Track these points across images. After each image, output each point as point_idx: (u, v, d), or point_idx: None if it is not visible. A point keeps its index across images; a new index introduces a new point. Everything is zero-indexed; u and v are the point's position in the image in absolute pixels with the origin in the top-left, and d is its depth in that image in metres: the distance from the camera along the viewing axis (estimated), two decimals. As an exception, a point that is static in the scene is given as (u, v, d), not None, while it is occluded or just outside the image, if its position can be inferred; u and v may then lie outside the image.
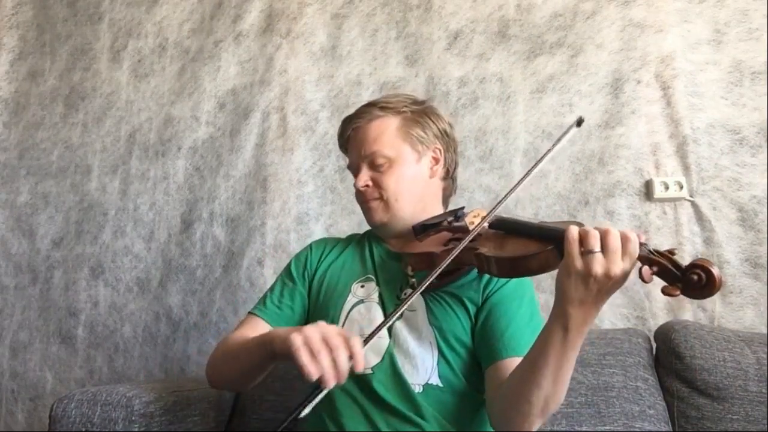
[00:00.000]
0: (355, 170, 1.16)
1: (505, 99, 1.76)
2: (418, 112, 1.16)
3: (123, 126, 2.01)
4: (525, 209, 1.68)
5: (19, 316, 1.95)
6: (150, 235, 1.91)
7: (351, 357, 0.76)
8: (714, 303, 1.55)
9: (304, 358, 0.76)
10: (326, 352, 0.76)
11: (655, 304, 1.57)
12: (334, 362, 0.75)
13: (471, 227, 1.01)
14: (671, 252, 0.74)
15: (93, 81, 2.07)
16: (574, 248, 0.76)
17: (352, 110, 1.88)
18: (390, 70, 1.85)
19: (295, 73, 1.90)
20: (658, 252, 0.74)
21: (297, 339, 0.78)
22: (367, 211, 1.15)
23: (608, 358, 1.32)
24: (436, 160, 1.16)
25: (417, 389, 1.00)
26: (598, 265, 0.74)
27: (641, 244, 0.75)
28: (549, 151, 0.94)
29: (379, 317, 1.05)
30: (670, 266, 0.72)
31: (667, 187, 1.61)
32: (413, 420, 0.98)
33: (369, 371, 1.02)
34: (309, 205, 1.83)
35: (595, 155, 1.67)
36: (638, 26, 1.71)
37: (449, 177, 1.20)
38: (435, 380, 1.00)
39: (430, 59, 1.83)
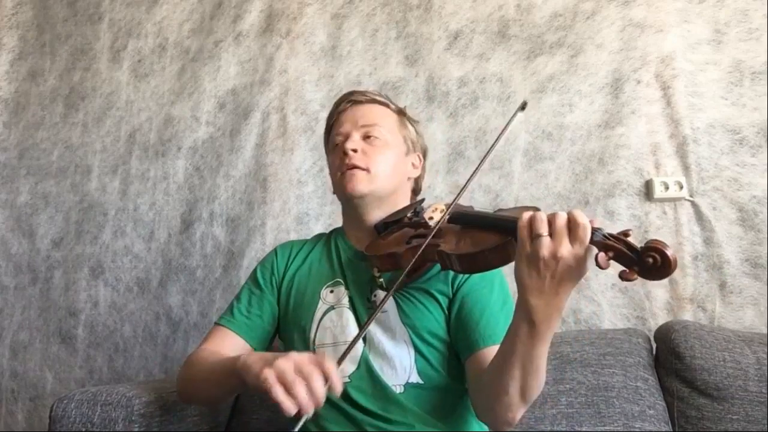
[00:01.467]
0: (344, 137, 1.13)
1: (505, 99, 1.76)
2: (410, 120, 1.22)
3: (123, 126, 2.01)
4: (525, 209, 1.67)
5: (19, 316, 1.95)
6: (150, 235, 1.91)
7: (326, 381, 0.76)
8: (714, 303, 1.55)
9: (281, 395, 0.75)
10: (301, 384, 0.75)
11: (655, 304, 1.57)
12: (311, 391, 0.75)
13: (430, 222, 1.00)
14: (625, 234, 0.73)
15: (93, 81, 2.07)
16: (524, 234, 0.76)
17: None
18: (390, 70, 1.85)
19: (295, 73, 1.90)
20: (612, 236, 0.73)
21: (270, 376, 0.77)
22: (347, 179, 1.09)
23: (608, 358, 1.32)
24: (415, 166, 1.20)
25: (398, 390, 1.00)
26: (545, 249, 0.74)
27: (595, 229, 0.74)
28: (497, 140, 0.93)
29: (352, 322, 1.05)
30: (625, 250, 0.71)
31: (667, 187, 1.61)
32: (396, 420, 0.98)
33: (346, 379, 1.01)
34: (309, 205, 1.83)
35: (595, 155, 1.67)
36: (638, 26, 1.71)
37: (417, 190, 1.24)
38: (415, 378, 1.00)
39: (430, 59, 1.83)
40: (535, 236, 0.75)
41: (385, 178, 1.11)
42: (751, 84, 1.62)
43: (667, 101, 1.65)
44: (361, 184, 1.09)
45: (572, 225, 0.73)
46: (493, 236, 0.85)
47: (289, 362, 0.77)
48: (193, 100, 1.96)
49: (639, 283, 1.58)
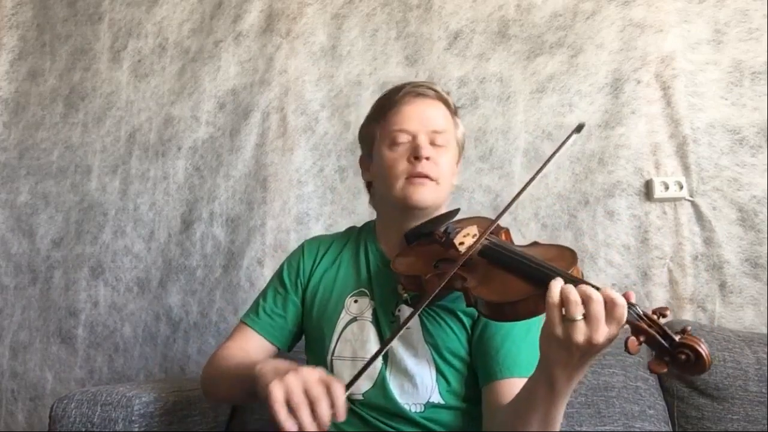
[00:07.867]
0: (410, 137, 1.04)
1: (505, 99, 1.76)
2: (457, 118, 1.13)
3: (123, 126, 2.01)
4: (525, 209, 1.68)
5: (19, 316, 1.95)
6: (150, 235, 1.91)
7: (332, 405, 0.74)
8: (714, 303, 1.55)
9: (281, 414, 0.73)
10: (306, 406, 0.73)
11: (655, 305, 1.57)
12: (315, 415, 0.73)
13: (460, 247, 0.96)
14: (662, 313, 0.69)
15: (93, 81, 2.07)
16: (555, 314, 0.71)
17: (352, 110, 1.88)
18: (390, 70, 1.85)
19: (295, 73, 1.90)
20: (647, 317, 0.69)
21: (277, 392, 0.74)
22: (415, 188, 1.02)
23: (608, 358, 1.32)
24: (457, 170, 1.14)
25: (418, 409, 0.98)
26: (580, 334, 0.69)
27: (630, 305, 0.70)
28: (546, 162, 0.91)
29: (373, 337, 1.03)
30: (658, 337, 0.67)
31: (667, 187, 1.61)
32: None
33: (359, 397, 1.00)
34: (309, 205, 1.83)
35: (595, 155, 1.67)
36: (638, 26, 1.71)
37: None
38: (436, 398, 0.98)
39: (430, 59, 1.83)
40: (568, 319, 0.70)
41: (447, 189, 1.08)
42: (751, 84, 1.62)
43: (667, 101, 1.65)
44: (429, 195, 1.03)
45: (609, 307, 0.69)
46: (523, 286, 0.81)
47: (299, 380, 0.75)
48: (193, 100, 1.96)
49: (639, 284, 1.58)
